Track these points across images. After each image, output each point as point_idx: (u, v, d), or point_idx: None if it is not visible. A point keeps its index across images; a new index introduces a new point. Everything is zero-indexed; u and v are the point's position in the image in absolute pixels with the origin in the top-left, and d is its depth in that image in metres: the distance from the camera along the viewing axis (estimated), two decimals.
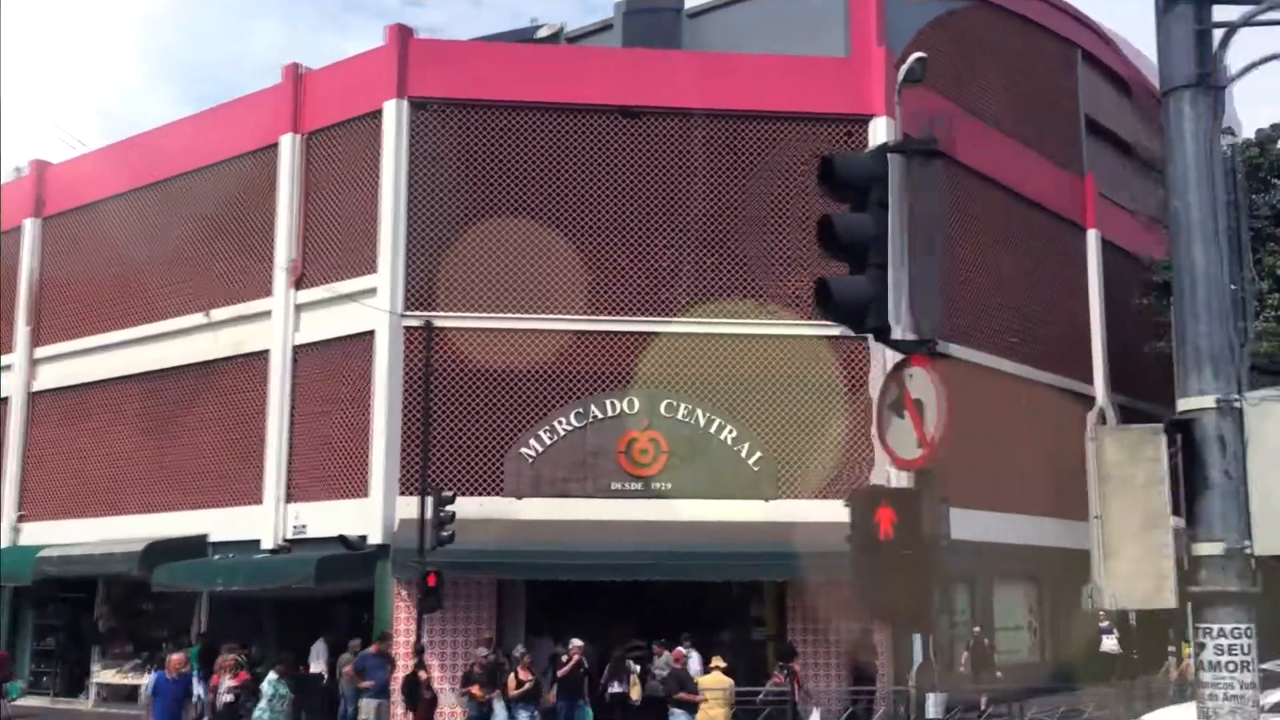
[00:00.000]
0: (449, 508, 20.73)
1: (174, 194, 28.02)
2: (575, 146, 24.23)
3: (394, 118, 24.04)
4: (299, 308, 25.20)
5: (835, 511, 20.02)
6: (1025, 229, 29.72)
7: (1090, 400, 31.12)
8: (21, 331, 31.05)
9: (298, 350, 25.05)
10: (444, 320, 23.54)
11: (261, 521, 24.56)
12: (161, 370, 27.56)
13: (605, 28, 28.57)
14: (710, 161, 24.54)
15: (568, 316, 23.72)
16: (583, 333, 23.70)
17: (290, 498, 24.49)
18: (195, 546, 25.50)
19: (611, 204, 24.15)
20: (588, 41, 28.44)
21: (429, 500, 21.01)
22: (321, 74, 26.08)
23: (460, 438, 23.21)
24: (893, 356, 20.50)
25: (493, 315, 23.60)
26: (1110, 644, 24.81)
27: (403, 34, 24.46)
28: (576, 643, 19.63)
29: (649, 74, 24.69)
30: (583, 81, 24.63)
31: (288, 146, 25.79)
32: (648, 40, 26.86)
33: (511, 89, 24.33)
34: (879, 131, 24.77)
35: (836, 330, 23.66)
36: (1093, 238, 32.31)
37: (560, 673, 19.28)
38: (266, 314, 25.52)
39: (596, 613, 22.71)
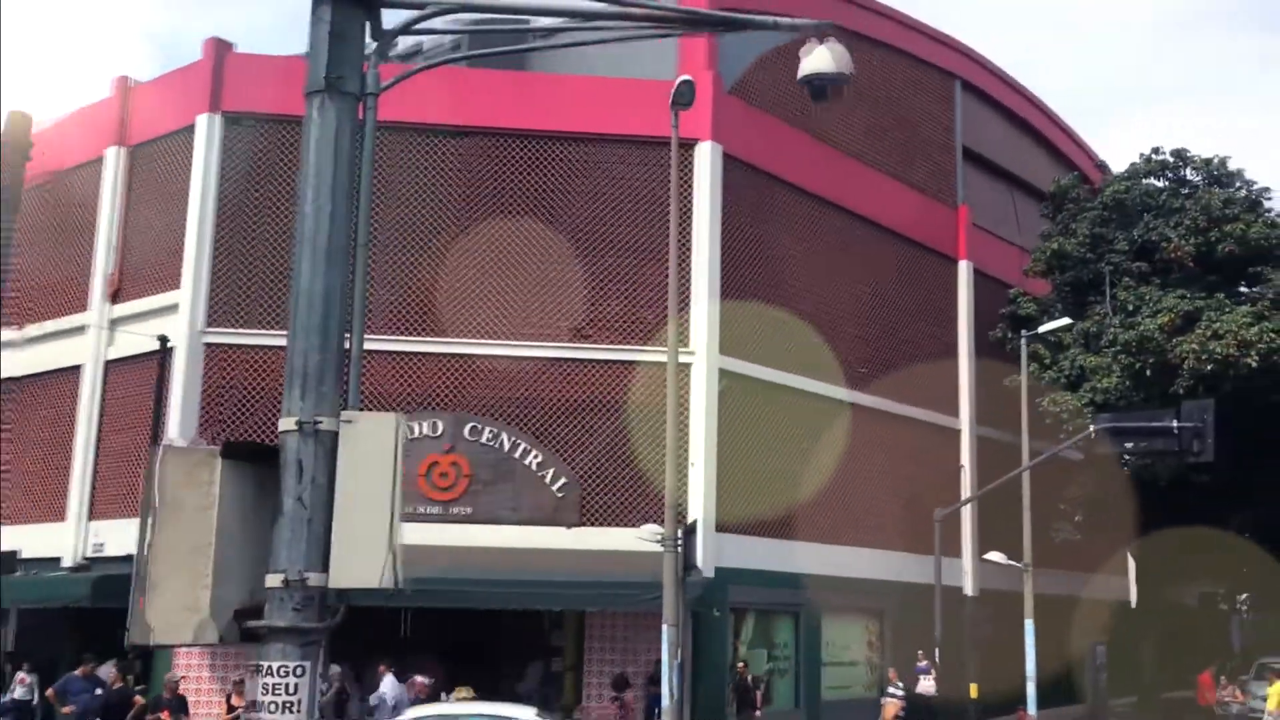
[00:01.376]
0: None
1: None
2: (390, 165, 23.85)
3: (205, 132, 23.73)
4: (113, 322, 24.81)
5: (639, 541, 19.85)
6: (886, 260, 29.31)
7: (956, 433, 30.71)
8: None
9: (109, 365, 24.66)
10: (247, 338, 23.13)
11: (63, 538, 24.12)
12: None
13: (455, 46, 28.20)
14: (529, 182, 24.19)
15: (374, 336, 23.26)
16: (389, 353, 23.27)
17: (92, 515, 24.04)
18: (4, 562, 24.96)
19: (424, 223, 23.78)
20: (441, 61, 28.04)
21: None
22: (149, 87, 25.82)
23: None
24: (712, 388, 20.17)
25: (272, 332, 23.15)
26: (927, 685, 24.18)
27: (219, 48, 24.17)
28: (335, 669, 19.12)
29: (475, 94, 24.29)
30: (400, 101, 24.21)
31: (111, 159, 25.49)
32: (493, 61, 26.46)
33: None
34: (704, 156, 24.43)
35: (648, 356, 23.42)
36: (964, 268, 31.98)
37: (320, 700, 18.65)
38: (82, 329, 25.15)
39: (395, 640, 22.26)
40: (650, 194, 24.42)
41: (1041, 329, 27.06)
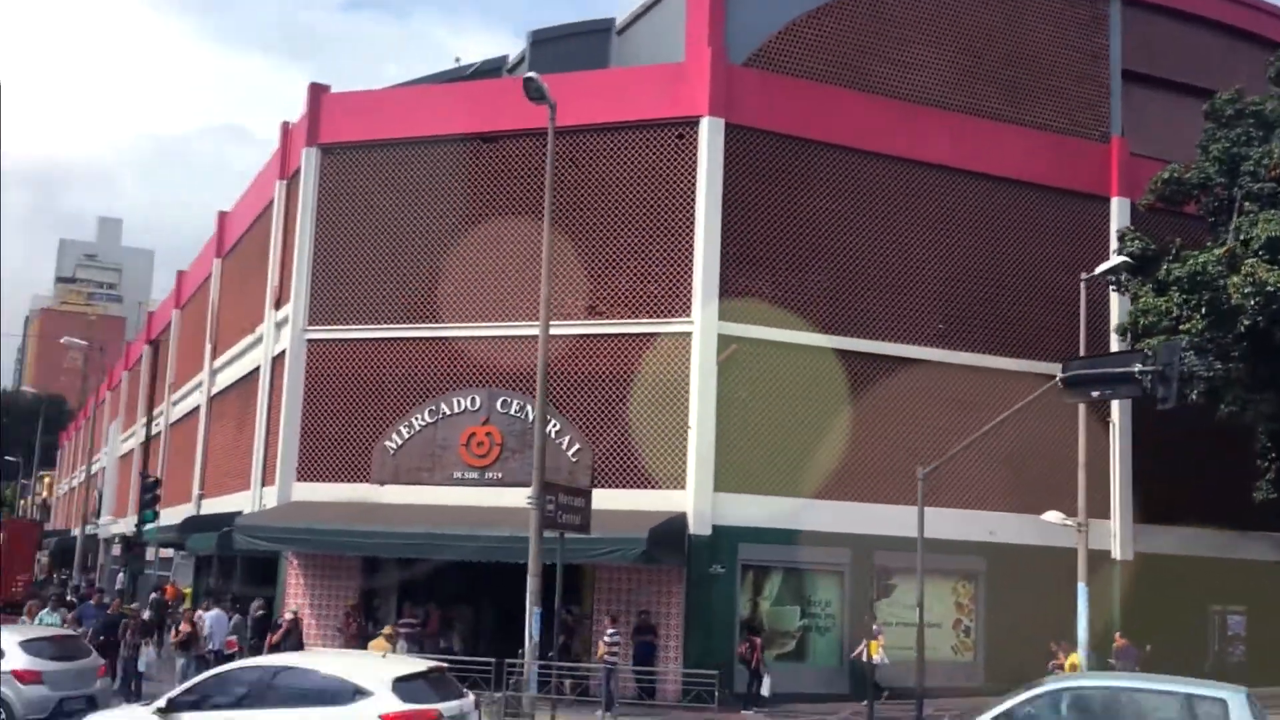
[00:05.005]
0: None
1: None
2: (438, 174, 27.30)
3: (312, 162, 28.57)
4: (277, 326, 30.44)
5: (646, 500, 22.16)
6: (980, 207, 28.27)
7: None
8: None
9: (275, 361, 30.28)
10: (330, 333, 27.67)
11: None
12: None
13: (521, 60, 30.95)
14: (555, 176, 26.41)
15: (425, 325, 26.90)
16: (436, 339, 26.78)
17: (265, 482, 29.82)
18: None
19: (467, 222, 26.88)
20: (515, 72, 30.90)
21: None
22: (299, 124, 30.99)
23: (339, 433, 27.25)
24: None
25: (365, 327, 27.38)
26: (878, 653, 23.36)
27: (315, 91, 28.87)
28: (288, 613, 22.84)
29: (503, 101, 26.98)
30: (451, 115, 27.57)
31: (278, 193, 31.19)
32: (571, 64, 28.94)
33: (397, 128, 27.88)
34: (705, 131, 25.47)
35: (655, 329, 25.19)
36: (1117, 206, 29.67)
37: (272, 639, 22.57)
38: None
39: (431, 588, 25.94)
40: (657, 174, 25.86)
41: (1099, 269, 24.82)
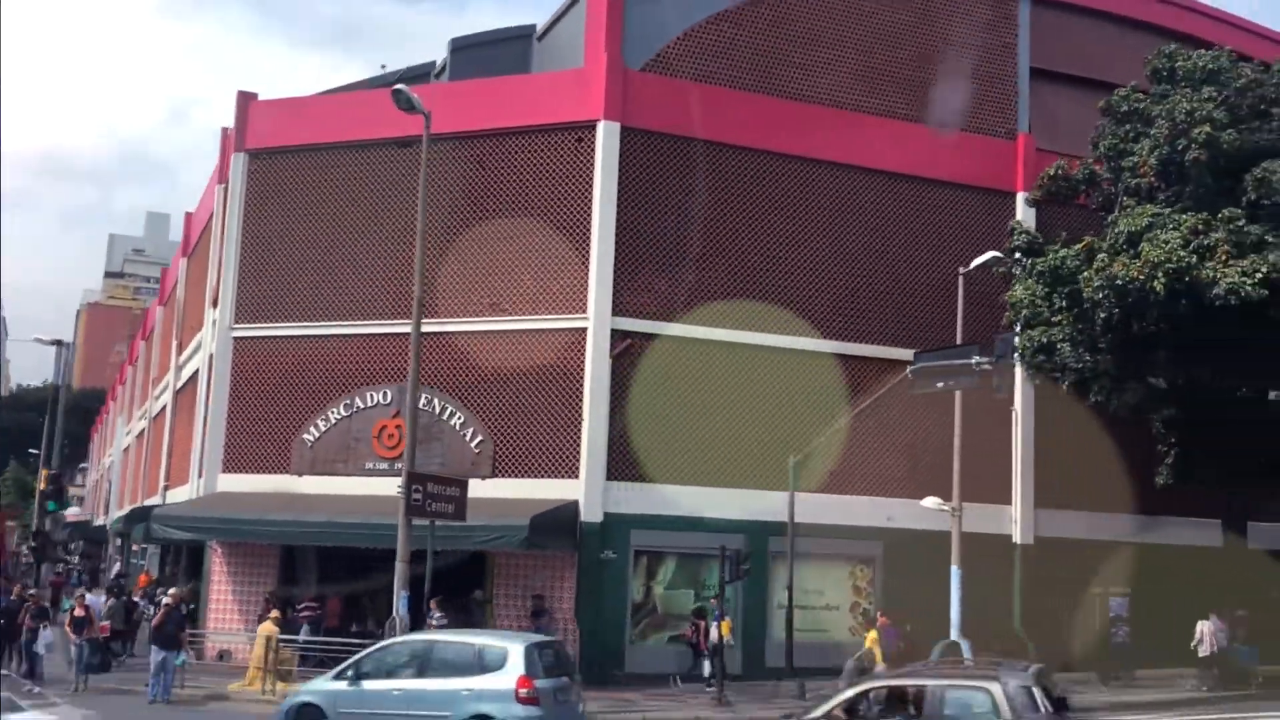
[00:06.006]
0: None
1: None
2: (356, 178, 28.51)
3: (239, 167, 29.86)
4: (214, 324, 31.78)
5: (543, 489, 23.32)
6: (873, 203, 29.18)
7: None
8: None
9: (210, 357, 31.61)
10: (256, 331, 28.97)
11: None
12: None
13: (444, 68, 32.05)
14: (464, 179, 27.65)
15: (342, 323, 28.13)
16: (352, 336, 28.02)
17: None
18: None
19: (387, 224, 28.01)
20: (441, 78, 32.01)
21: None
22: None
23: (262, 426, 28.56)
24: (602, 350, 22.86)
25: (288, 324, 28.64)
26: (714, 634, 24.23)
27: (244, 98, 30.14)
28: (168, 597, 24.07)
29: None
30: (370, 120, 28.72)
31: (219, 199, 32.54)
32: (493, 69, 30.05)
33: (320, 134, 29.11)
34: (601, 135, 26.52)
35: (555, 324, 26.34)
36: (1021, 200, 30.32)
37: (154, 622, 23.80)
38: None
39: (339, 573, 27.17)
40: (557, 176, 26.95)
41: (974, 263, 25.66)
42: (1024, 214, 29.83)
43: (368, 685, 16.83)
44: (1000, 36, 31.23)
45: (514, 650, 16.37)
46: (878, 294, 28.80)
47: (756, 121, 27.91)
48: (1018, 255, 26.98)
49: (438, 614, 22.69)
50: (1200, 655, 25.25)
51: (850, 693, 14.23)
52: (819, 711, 13.93)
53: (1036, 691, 12.78)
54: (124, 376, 71.61)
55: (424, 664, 16.93)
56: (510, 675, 16.02)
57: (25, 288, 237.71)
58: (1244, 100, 25.56)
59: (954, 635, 24.89)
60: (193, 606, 28.46)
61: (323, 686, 17.48)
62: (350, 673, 17.12)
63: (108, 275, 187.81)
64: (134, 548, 44.64)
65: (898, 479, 28.25)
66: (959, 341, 25.17)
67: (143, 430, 49.98)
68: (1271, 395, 26.44)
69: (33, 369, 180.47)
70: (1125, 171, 26.22)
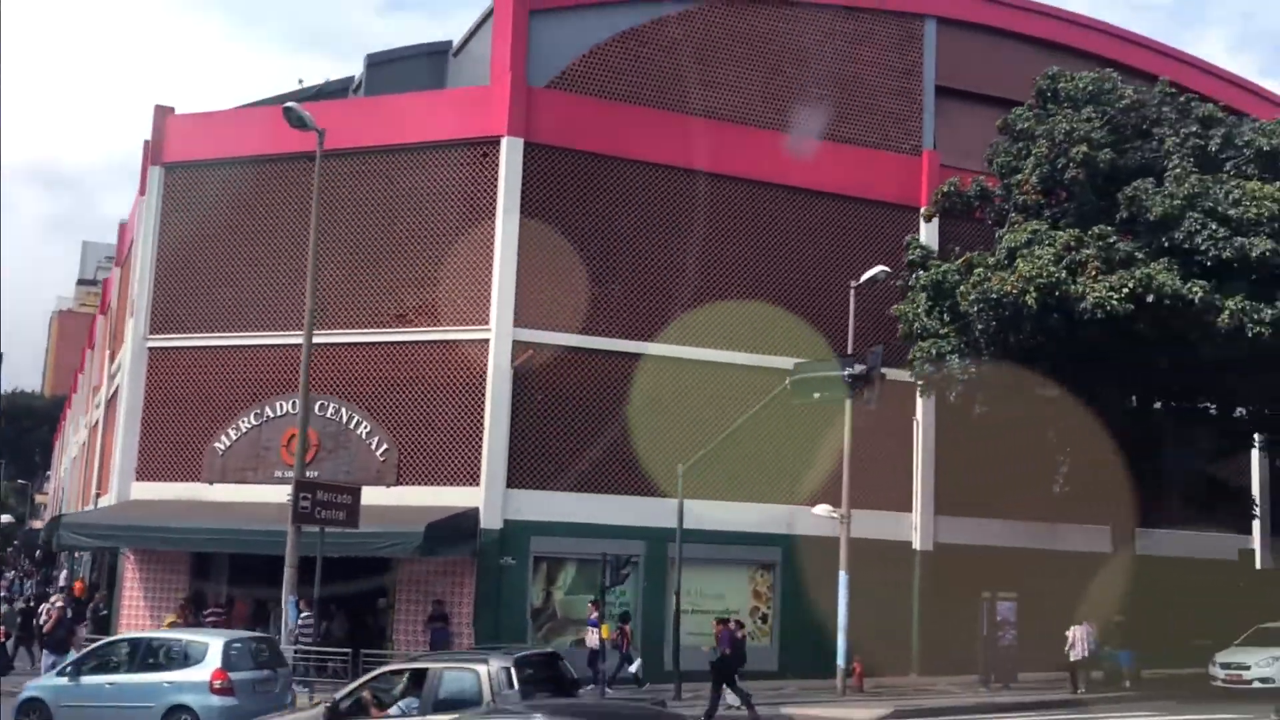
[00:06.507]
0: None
1: None
2: (267, 191, 29.01)
3: (156, 180, 30.31)
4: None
5: (446, 496, 23.78)
6: (780, 216, 29.91)
7: None
8: None
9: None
10: (169, 341, 29.41)
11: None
12: None
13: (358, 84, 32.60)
14: (373, 193, 28.20)
15: (253, 333, 28.61)
16: (262, 346, 28.50)
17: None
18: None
19: (297, 237, 28.46)
20: (359, 93, 32.55)
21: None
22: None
23: (175, 435, 29.00)
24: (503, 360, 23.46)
25: (201, 335, 29.10)
26: (594, 638, 24.86)
27: (160, 112, 30.59)
28: (58, 602, 24.47)
29: (328, 120, 28.59)
30: (282, 134, 29.18)
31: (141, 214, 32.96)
32: (409, 84, 30.59)
33: (233, 147, 29.59)
34: (505, 150, 27.15)
35: (459, 336, 26.91)
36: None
37: (45, 628, 24.24)
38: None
39: (252, 579, 27.60)
40: (463, 190, 27.57)
41: (864, 277, 26.40)
42: (928, 229, 30.58)
43: (85, 679, 18.39)
44: (906, 55, 32.02)
45: (214, 646, 18.02)
46: (782, 306, 29.41)
47: (660, 137, 28.57)
48: (918, 270, 27.73)
49: (305, 614, 23.15)
50: (1072, 659, 26.01)
51: (371, 674, 15.66)
52: (344, 691, 15.19)
53: (514, 672, 14.01)
54: (76, 385, 71.83)
55: (137, 659, 18.55)
56: (207, 668, 17.64)
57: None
58: (1128, 120, 26.41)
59: (841, 639, 25.60)
60: (105, 612, 28.95)
61: (48, 681, 19.29)
62: (71, 669, 18.80)
63: (80, 283, 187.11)
64: (76, 555, 44.84)
65: (799, 486, 28.86)
66: (850, 354, 25.87)
67: (84, 440, 50.28)
68: (1156, 405, 27.27)
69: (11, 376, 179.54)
70: (1014, 188, 27.03)
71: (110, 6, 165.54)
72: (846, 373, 21.28)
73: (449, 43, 31.91)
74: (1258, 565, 35.19)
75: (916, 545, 30.32)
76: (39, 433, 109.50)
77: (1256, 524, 35.23)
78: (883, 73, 31.70)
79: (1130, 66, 32.46)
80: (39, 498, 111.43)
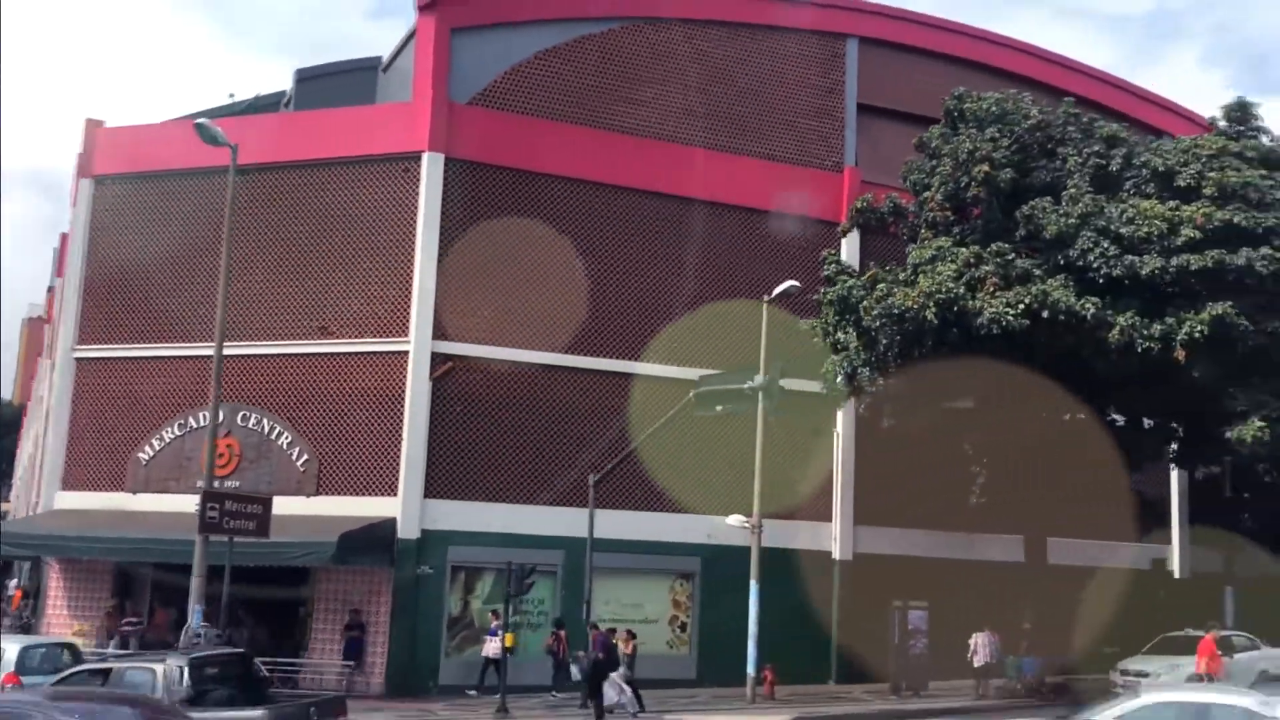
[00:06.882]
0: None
1: None
2: (194, 204, 29.32)
3: (86, 193, 30.59)
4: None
5: (366, 506, 24.09)
6: (696, 230, 30.47)
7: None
8: None
9: None
10: (96, 352, 29.68)
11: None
12: None
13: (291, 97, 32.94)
14: (292, 208, 28.59)
15: (178, 345, 28.92)
16: (187, 358, 28.80)
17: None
18: None
19: (216, 250, 28.76)
20: (290, 108, 32.90)
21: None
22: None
23: (100, 444, 29.25)
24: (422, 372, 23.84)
25: (127, 346, 29.38)
26: (493, 646, 25.27)
27: (90, 125, 30.90)
28: None
29: (254, 135, 28.98)
30: (206, 149, 29.51)
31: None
32: (338, 100, 30.92)
33: (161, 161, 29.92)
34: (426, 166, 27.59)
35: (379, 348, 27.29)
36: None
37: None
38: None
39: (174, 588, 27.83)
40: (385, 205, 27.98)
41: (775, 291, 26.93)
42: (850, 245, 31.15)
43: None
44: (829, 74, 32.64)
45: (9, 649, 19.31)
46: (704, 320, 29.89)
47: (581, 153, 29.07)
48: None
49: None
50: (975, 666, 26.57)
51: (66, 674, 16.34)
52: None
53: (188, 671, 14.91)
54: (29, 394, 71.82)
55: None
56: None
57: None
58: (1034, 139, 27.05)
59: (751, 648, 26.08)
60: (25, 621, 29.18)
61: None
62: None
63: (49, 289, 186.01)
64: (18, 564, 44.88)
65: (719, 496, 29.26)
66: (762, 369, 26.38)
67: (31, 449, 50.36)
68: (1065, 417, 27.86)
69: None
70: (924, 205, 27.65)
71: (106, 10, 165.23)
72: (747, 385, 21.76)
73: (379, 58, 32.28)
74: (1175, 575, 35.86)
75: (836, 555, 30.82)
76: (7, 441, 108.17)
77: (1175, 534, 35.94)
78: (805, 91, 32.32)
79: (1049, 85, 33.26)
80: (4, 505, 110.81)
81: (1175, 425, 28.80)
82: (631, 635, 24.06)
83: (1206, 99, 58.16)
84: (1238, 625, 31.20)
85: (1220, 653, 24.92)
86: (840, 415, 30.71)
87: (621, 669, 22.60)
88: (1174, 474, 35.77)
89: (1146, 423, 29.09)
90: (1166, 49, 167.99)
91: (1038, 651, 27.68)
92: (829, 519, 31.01)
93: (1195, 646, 25.53)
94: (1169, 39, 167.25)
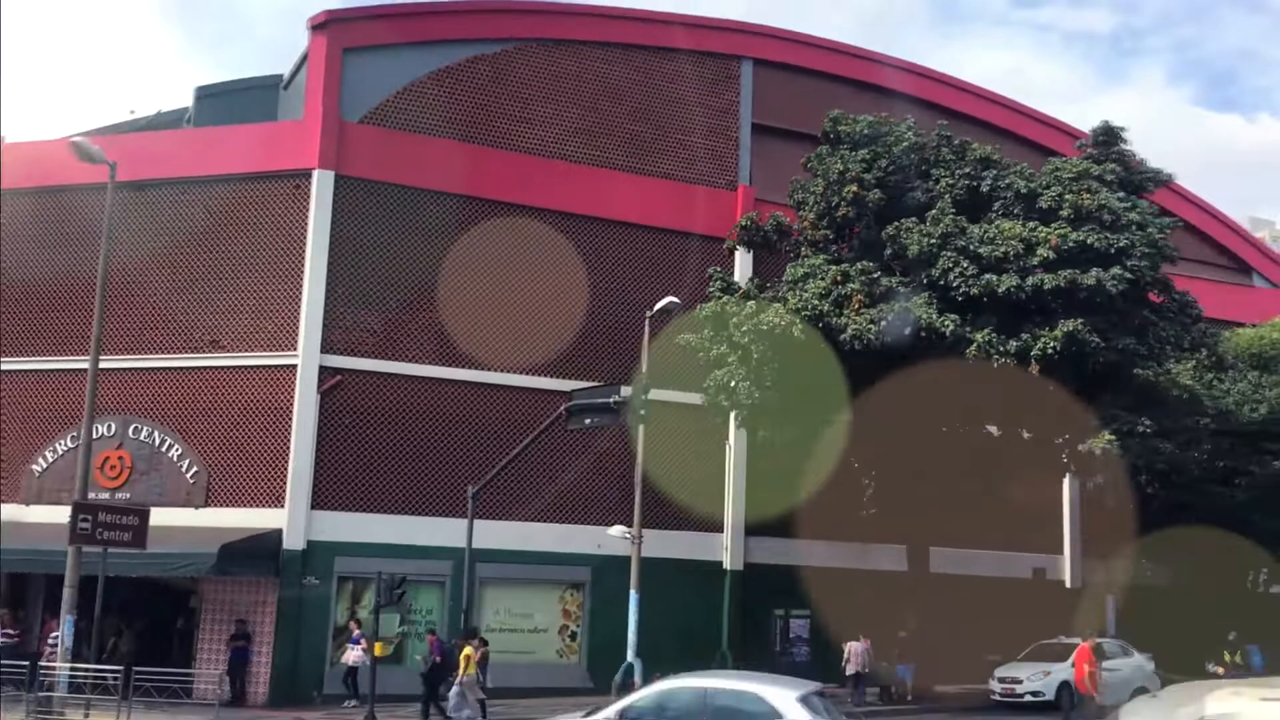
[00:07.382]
0: None
1: None
2: (91, 220, 29.55)
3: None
4: None
5: (253, 517, 24.36)
6: (594, 247, 31.14)
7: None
8: None
9: None
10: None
11: None
12: None
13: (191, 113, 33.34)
14: (186, 222, 28.95)
15: (71, 358, 29.14)
16: (80, 371, 28.97)
17: None
18: None
19: (115, 262, 29.14)
20: (190, 124, 33.30)
21: None
22: None
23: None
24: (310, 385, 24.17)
25: (18, 359, 29.59)
26: (355, 654, 25.80)
27: None
28: None
29: (155, 152, 29.40)
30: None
31: None
32: (240, 116, 31.33)
33: (61, 176, 30.16)
34: (316, 183, 28.06)
35: (268, 361, 27.65)
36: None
37: None
38: None
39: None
40: (277, 221, 28.43)
41: (656, 307, 27.59)
42: (743, 263, 31.85)
43: None
44: (723, 95, 33.40)
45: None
46: (590, 334, 30.46)
47: (471, 171, 29.60)
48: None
49: (54, 633, 23.87)
50: (848, 674, 27.25)
51: None
52: None
53: None
54: None
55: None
56: None
57: None
58: (910, 161, 27.86)
59: (630, 657, 26.61)
60: None
61: None
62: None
63: None
64: None
65: (609, 507, 29.84)
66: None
67: None
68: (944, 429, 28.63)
69: None
70: (803, 224, 28.40)
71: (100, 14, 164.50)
72: (613, 399, 22.41)
73: (279, 76, 32.73)
74: (1067, 584, 36.65)
75: (727, 565, 31.45)
76: None
77: (1067, 543, 36.72)
78: (700, 111, 33.04)
79: (941, 105, 34.22)
80: None
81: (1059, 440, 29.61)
82: (483, 642, 24.38)
83: (1174, 115, 59.32)
84: (1120, 634, 32.06)
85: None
86: (732, 428, 31.37)
87: (470, 675, 22.56)
88: (1065, 484, 36.59)
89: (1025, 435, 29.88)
90: (1135, 64, 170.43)
91: (911, 659, 28.36)
92: (721, 530, 31.65)
93: (1069, 653, 26.31)
94: (1134, 55, 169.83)
